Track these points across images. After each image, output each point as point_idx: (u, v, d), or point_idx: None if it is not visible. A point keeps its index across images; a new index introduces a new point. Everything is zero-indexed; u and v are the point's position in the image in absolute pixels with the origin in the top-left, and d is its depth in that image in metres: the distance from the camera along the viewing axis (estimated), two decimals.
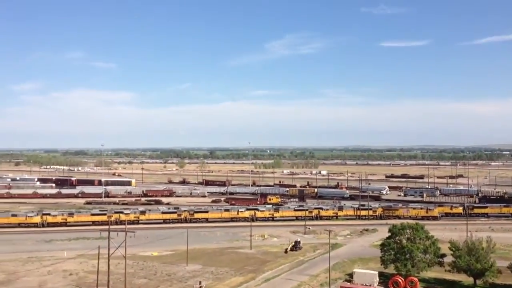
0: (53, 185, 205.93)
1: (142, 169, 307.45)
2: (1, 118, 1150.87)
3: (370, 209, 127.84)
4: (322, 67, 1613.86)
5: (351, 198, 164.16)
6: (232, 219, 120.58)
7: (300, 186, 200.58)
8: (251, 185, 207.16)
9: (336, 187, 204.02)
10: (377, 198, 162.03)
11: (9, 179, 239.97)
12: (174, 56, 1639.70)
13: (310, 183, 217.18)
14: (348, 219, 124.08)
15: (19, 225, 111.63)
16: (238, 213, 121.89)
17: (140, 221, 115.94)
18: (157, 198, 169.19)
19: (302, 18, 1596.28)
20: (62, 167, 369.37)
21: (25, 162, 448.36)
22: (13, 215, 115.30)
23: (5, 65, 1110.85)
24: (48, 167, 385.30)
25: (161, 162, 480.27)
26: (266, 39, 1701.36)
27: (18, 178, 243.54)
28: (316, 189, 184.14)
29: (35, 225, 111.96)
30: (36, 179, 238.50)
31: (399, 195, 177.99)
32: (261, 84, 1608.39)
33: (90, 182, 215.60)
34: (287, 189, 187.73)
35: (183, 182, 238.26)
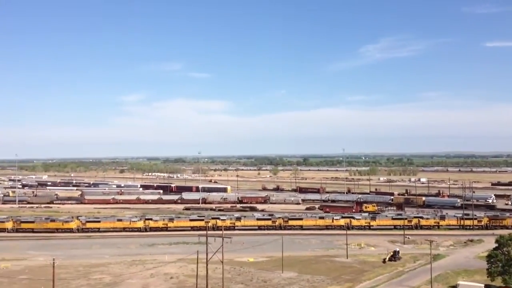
0: (161, 191, 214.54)
1: (237, 176, 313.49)
2: (110, 128, 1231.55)
3: (475, 218, 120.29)
4: (421, 70, 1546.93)
5: (462, 207, 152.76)
6: (327, 227, 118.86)
7: (398, 194, 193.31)
8: (346, 193, 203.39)
9: (437, 195, 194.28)
10: (491, 208, 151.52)
11: (115, 186, 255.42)
12: (268, 64, 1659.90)
13: (408, 191, 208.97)
14: (450, 229, 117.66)
15: (124, 229, 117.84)
16: (333, 221, 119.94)
17: (236, 227, 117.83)
18: (252, 205, 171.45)
19: (398, 20, 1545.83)
20: (162, 174, 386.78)
21: (129, 169, 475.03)
22: (118, 220, 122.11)
23: (114, 78, 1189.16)
24: (149, 174, 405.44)
25: (255, 169, 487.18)
26: (360, 44, 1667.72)
27: (123, 185, 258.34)
28: (424, 198, 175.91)
29: (138, 229, 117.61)
30: (139, 186, 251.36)
31: (507, 204, 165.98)
32: (357, 89, 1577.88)
33: (189, 189, 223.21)
34: (391, 197, 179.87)
35: (277, 189, 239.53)
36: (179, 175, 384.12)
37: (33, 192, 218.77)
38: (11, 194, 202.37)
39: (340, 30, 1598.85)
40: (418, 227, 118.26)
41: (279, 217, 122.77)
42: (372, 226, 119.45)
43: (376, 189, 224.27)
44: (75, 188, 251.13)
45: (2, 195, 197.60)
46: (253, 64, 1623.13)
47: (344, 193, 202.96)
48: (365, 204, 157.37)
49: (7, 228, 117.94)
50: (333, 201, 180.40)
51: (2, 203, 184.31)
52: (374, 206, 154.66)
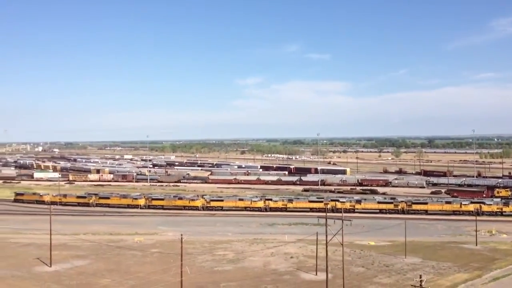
0: (284, 172, 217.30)
1: (357, 158, 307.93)
2: (229, 111, 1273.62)
3: None
4: None
5: None
6: (454, 212, 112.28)
7: None
8: (476, 177, 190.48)
9: None
10: None
11: (236, 166, 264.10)
12: (388, 43, 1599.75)
13: None
14: None
15: (245, 208, 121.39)
16: (461, 206, 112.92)
17: (355, 210, 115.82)
18: (372, 188, 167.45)
19: None
20: (281, 156, 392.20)
21: (249, 151, 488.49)
22: (240, 199, 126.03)
23: (232, 61, 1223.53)
24: (269, 155, 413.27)
25: (375, 151, 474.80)
26: (491, 17, 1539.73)
27: (243, 166, 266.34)
28: None
29: (259, 209, 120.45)
30: (259, 167, 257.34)
31: None
32: (486, 66, 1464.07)
33: (307, 170, 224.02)
34: None
35: (399, 172, 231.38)
36: (297, 157, 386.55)
37: (166, 171, 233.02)
38: (147, 173, 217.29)
39: (465, 5, 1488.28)
40: None
41: (402, 201, 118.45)
42: (505, 212, 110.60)
43: (510, 173, 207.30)
44: (199, 168, 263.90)
45: (135, 173, 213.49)
46: (370, 45, 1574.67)
47: (473, 177, 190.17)
48: (497, 189, 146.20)
49: (140, 205, 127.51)
50: (460, 185, 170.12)
51: (136, 181, 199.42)
52: (508, 191, 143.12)
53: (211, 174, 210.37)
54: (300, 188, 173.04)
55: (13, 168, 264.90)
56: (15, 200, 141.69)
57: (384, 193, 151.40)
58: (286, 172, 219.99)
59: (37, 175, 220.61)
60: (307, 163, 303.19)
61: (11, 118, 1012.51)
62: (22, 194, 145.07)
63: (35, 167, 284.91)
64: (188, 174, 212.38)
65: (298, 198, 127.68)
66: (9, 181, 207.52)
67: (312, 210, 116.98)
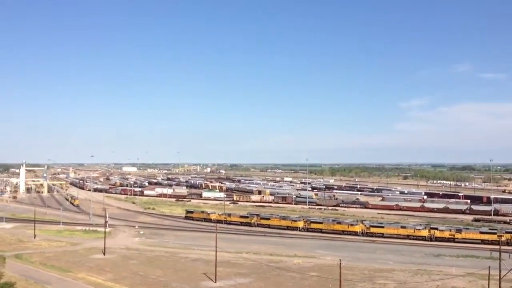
0: (451, 200, 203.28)
1: None
2: (391, 134, 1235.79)
3: None
4: None
5: None
6: None
7: None
8: None
9: None
10: None
11: (397, 192, 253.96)
12: None
13: None
14: None
15: (408, 236, 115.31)
16: None
17: None
18: None
19: None
20: (448, 182, 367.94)
21: (412, 176, 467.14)
22: (402, 227, 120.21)
23: (395, 83, 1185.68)
24: (434, 181, 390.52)
25: None
26: None
27: (406, 192, 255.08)
28: None
29: (423, 238, 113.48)
30: (423, 193, 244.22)
31: None
32: None
33: (478, 199, 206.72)
34: None
35: None
36: (467, 184, 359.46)
37: (334, 195, 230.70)
38: (314, 196, 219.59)
39: None
40: None
41: None
42: None
43: None
44: (359, 192, 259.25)
45: (295, 196, 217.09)
46: None
47: None
48: None
49: (299, 227, 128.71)
50: None
51: (295, 204, 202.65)
52: None
53: (388, 200, 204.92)
54: (470, 217, 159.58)
55: (185, 188, 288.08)
56: (186, 218, 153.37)
57: None
58: (454, 200, 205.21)
59: (205, 194, 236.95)
60: (477, 190, 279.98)
61: (184, 141, 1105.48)
62: (192, 212, 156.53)
63: (203, 187, 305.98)
64: (358, 199, 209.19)
65: (468, 229, 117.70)
66: (181, 199, 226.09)
67: (483, 242, 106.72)
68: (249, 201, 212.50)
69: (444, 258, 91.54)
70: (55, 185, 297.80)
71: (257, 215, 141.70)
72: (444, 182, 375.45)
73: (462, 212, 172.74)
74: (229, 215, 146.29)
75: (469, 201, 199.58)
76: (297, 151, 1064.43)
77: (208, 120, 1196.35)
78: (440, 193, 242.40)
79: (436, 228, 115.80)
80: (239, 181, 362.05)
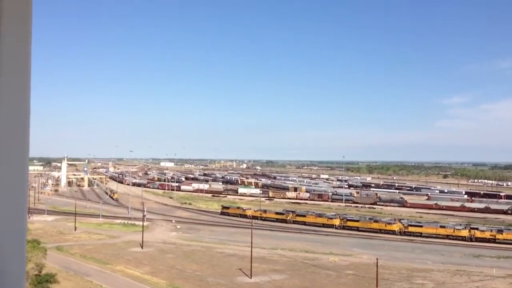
0: (493, 200, 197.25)
1: None
2: (430, 132, 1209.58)
3: None
4: None
5: None
6: None
7: None
8: None
9: None
10: None
11: (437, 191, 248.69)
12: None
13: None
14: None
15: (447, 236, 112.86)
16: None
17: None
18: None
19: None
20: (490, 182, 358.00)
21: (452, 175, 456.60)
22: (441, 226, 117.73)
23: (436, 79, 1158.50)
24: (475, 180, 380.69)
25: None
26: None
27: (446, 191, 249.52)
28: None
29: (463, 238, 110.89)
30: (463, 192, 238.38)
31: None
32: None
33: None
34: None
35: None
36: (509, 183, 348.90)
37: (376, 194, 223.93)
38: (355, 194, 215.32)
39: None
40: None
41: None
42: None
43: None
44: (397, 191, 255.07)
45: (331, 193, 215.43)
46: None
47: None
48: None
49: (335, 225, 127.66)
50: None
51: (331, 201, 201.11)
52: None
53: (432, 199, 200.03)
54: None
55: (221, 183, 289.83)
56: (222, 213, 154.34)
57: None
58: (496, 200, 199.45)
59: (241, 190, 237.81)
60: None
61: (220, 137, 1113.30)
62: (227, 208, 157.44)
63: (239, 182, 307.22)
64: (402, 197, 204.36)
65: (509, 229, 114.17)
66: (217, 195, 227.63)
67: None
68: (285, 198, 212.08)
69: (485, 259, 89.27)
70: (95, 179, 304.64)
71: (293, 212, 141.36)
72: (486, 181, 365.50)
73: (504, 212, 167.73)
74: (265, 211, 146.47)
75: (511, 201, 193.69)
76: (334, 148, 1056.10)
77: (245, 116, 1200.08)
78: (481, 192, 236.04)
79: (477, 228, 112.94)
80: (274, 178, 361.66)
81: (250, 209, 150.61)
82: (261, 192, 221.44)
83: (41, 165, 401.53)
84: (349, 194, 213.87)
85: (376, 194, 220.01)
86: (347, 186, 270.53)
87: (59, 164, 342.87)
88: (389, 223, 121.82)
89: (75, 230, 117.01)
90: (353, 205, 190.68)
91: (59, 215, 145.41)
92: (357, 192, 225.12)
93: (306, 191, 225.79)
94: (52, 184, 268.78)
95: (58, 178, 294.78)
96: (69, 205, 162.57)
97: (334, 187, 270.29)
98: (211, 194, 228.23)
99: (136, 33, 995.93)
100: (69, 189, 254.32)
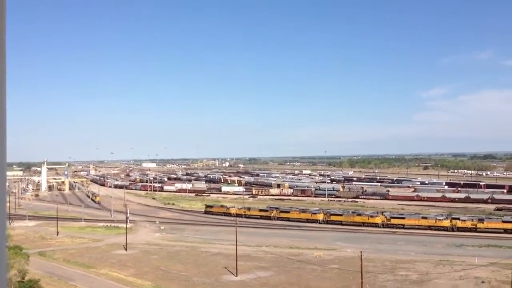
0: (473, 189, 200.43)
1: None
2: (410, 124, 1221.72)
3: None
4: None
5: None
6: None
7: None
8: None
9: None
10: None
11: (418, 182, 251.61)
12: None
13: None
14: None
15: (429, 227, 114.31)
16: None
17: None
18: None
19: None
20: (469, 172, 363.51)
21: (432, 166, 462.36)
22: (423, 217, 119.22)
23: (414, 72, 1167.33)
24: (455, 171, 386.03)
25: None
26: None
27: (426, 182, 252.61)
28: None
29: (444, 228, 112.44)
30: (444, 183, 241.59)
31: None
32: None
33: (500, 187, 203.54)
34: None
35: None
36: (488, 173, 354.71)
37: (362, 187, 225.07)
38: (341, 189, 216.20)
39: None
40: None
41: None
42: None
43: None
44: (378, 184, 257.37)
45: (314, 188, 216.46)
46: None
47: None
48: None
49: (318, 220, 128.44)
50: None
51: (314, 196, 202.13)
52: None
53: (419, 191, 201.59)
54: (492, 206, 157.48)
55: (204, 182, 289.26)
56: (205, 212, 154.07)
57: None
58: (476, 190, 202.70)
59: (224, 188, 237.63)
60: (500, 179, 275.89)
61: (202, 136, 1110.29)
62: (211, 207, 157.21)
63: (222, 181, 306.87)
64: (389, 190, 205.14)
65: (490, 218, 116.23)
66: (200, 194, 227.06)
67: (506, 231, 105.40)
68: (268, 195, 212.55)
69: (467, 248, 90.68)
70: (76, 182, 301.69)
71: (277, 208, 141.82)
72: (466, 171, 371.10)
73: (484, 201, 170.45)
74: (249, 209, 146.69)
75: (490, 190, 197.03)
76: (316, 144, 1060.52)
77: (226, 115, 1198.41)
78: (461, 182, 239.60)
79: (458, 218, 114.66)
80: (257, 175, 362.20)
81: (234, 207, 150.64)
82: (244, 189, 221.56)
83: (21, 170, 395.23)
84: (331, 189, 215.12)
85: (362, 188, 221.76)
86: (329, 181, 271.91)
87: (39, 169, 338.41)
88: (372, 216, 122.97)
89: (57, 234, 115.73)
90: (336, 199, 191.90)
91: (41, 220, 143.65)
92: (343, 187, 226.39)
93: (289, 187, 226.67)
94: (33, 189, 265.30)
95: (38, 182, 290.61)
96: (50, 210, 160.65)
97: (317, 182, 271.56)
98: (194, 194, 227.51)
99: (110, 37, 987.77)
100: (50, 194, 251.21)
